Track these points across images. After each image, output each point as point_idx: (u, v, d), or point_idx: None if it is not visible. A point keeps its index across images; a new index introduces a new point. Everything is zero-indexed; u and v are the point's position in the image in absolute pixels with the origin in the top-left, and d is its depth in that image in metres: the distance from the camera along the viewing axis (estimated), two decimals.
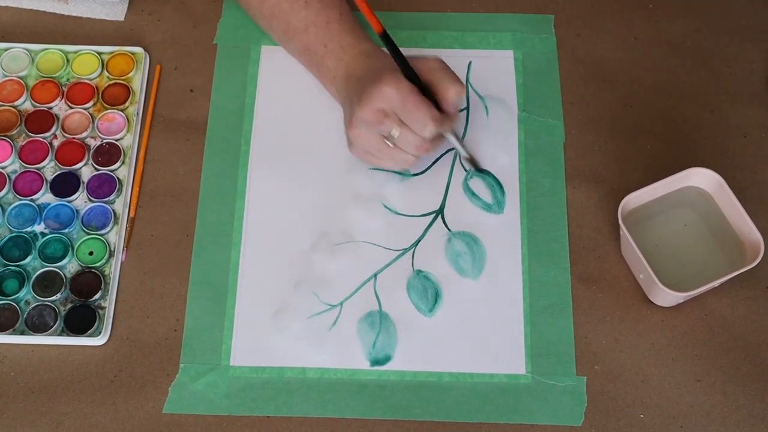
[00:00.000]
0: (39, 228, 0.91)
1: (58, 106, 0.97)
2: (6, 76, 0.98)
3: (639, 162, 0.94)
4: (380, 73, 0.84)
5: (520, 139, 0.95)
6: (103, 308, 0.88)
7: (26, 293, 0.88)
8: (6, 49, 0.99)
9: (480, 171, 0.93)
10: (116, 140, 0.95)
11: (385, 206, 0.92)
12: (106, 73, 0.98)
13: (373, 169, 0.93)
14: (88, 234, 0.91)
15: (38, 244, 0.90)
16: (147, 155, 0.95)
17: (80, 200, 0.92)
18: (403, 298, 0.88)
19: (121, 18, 1.01)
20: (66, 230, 0.90)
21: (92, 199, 0.92)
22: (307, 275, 0.89)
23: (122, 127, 0.95)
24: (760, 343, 0.87)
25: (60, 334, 0.87)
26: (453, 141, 0.89)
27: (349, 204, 0.92)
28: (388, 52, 0.86)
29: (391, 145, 0.87)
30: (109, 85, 0.97)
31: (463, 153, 0.91)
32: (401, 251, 0.90)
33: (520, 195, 0.93)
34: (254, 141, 0.95)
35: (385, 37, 0.84)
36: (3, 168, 0.93)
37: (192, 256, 0.90)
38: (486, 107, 0.96)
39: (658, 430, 0.83)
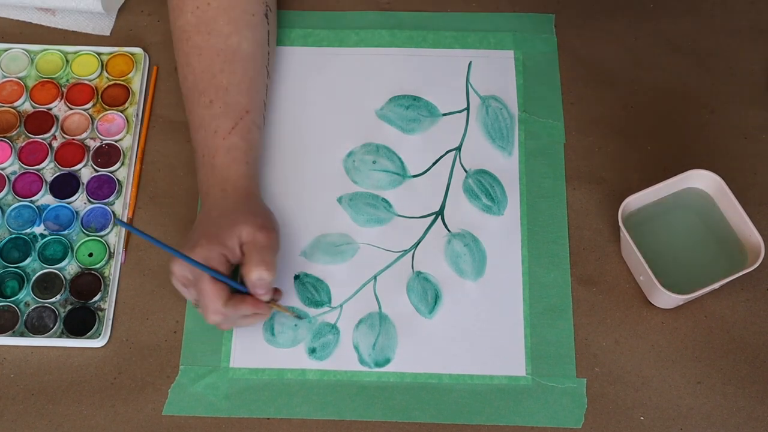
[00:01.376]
0: (38, 229, 0.91)
1: (58, 107, 0.96)
2: (5, 76, 0.97)
3: (639, 163, 0.94)
4: (195, 241, 0.81)
5: (520, 139, 0.95)
6: (102, 310, 0.88)
7: (26, 295, 0.88)
8: (5, 50, 0.99)
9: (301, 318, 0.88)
10: (116, 141, 0.95)
11: (386, 208, 0.92)
12: (105, 74, 0.98)
13: (374, 170, 0.93)
14: (88, 235, 0.90)
15: (38, 245, 0.90)
16: (146, 156, 0.95)
17: (80, 201, 0.92)
18: (402, 299, 0.88)
19: (107, 33, 1.00)
20: (65, 232, 0.90)
21: (92, 200, 0.92)
22: (306, 277, 0.89)
23: (122, 128, 0.95)
24: (761, 345, 0.87)
25: (60, 336, 0.87)
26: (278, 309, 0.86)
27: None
28: (246, 201, 0.84)
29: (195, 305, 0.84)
30: (109, 86, 0.97)
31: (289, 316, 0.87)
32: (401, 253, 0.90)
33: (520, 196, 0.92)
34: None
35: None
36: (2, 169, 0.93)
37: None
38: (486, 107, 0.96)
39: None
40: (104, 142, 0.95)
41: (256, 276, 0.80)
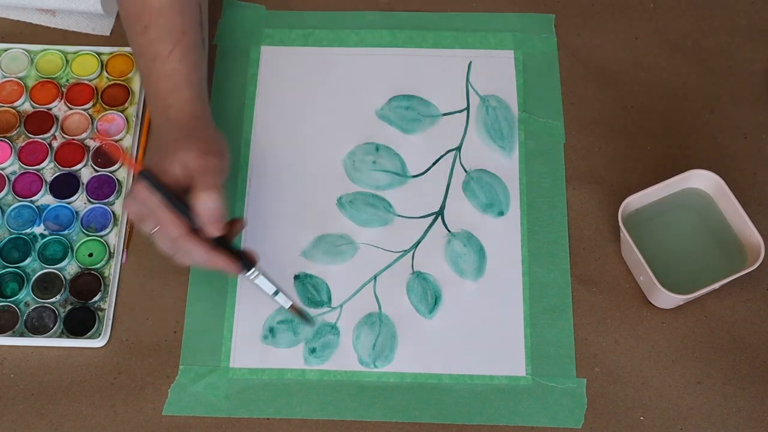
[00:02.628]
0: (38, 229, 0.91)
1: (58, 107, 0.96)
2: (5, 76, 0.97)
3: (639, 163, 0.94)
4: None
5: (520, 139, 0.95)
6: (102, 310, 0.88)
7: (26, 295, 0.88)
8: (5, 50, 0.99)
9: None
10: (116, 141, 0.95)
11: (386, 208, 0.92)
12: (105, 74, 0.98)
13: (374, 170, 0.93)
14: (88, 235, 0.90)
15: (38, 245, 0.90)
16: (146, 156, 0.95)
17: (80, 201, 0.92)
18: (402, 299, 0.88)
19: (107, 33, 1.00)
20: (65, 232, 0.90)
21: (92, 200, 0.92)
22: (306, 277, 0.89)
23: (122, 128, 0.95)
24: (761, 345, 0.86)
25: (59, 336, 0.87)
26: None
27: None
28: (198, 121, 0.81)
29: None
30: (109, 86, 0.97)
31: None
32: (401, 253, 0.90)
33: (520, 196, 0.92)
34: (254, 142, 0.95)
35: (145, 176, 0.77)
36: (2, 169, 0.93)
37: None
38: (486, 107, 0.96)
39: None
40: (104, 142, 0.95)
41: (201, 203, 0.76)
